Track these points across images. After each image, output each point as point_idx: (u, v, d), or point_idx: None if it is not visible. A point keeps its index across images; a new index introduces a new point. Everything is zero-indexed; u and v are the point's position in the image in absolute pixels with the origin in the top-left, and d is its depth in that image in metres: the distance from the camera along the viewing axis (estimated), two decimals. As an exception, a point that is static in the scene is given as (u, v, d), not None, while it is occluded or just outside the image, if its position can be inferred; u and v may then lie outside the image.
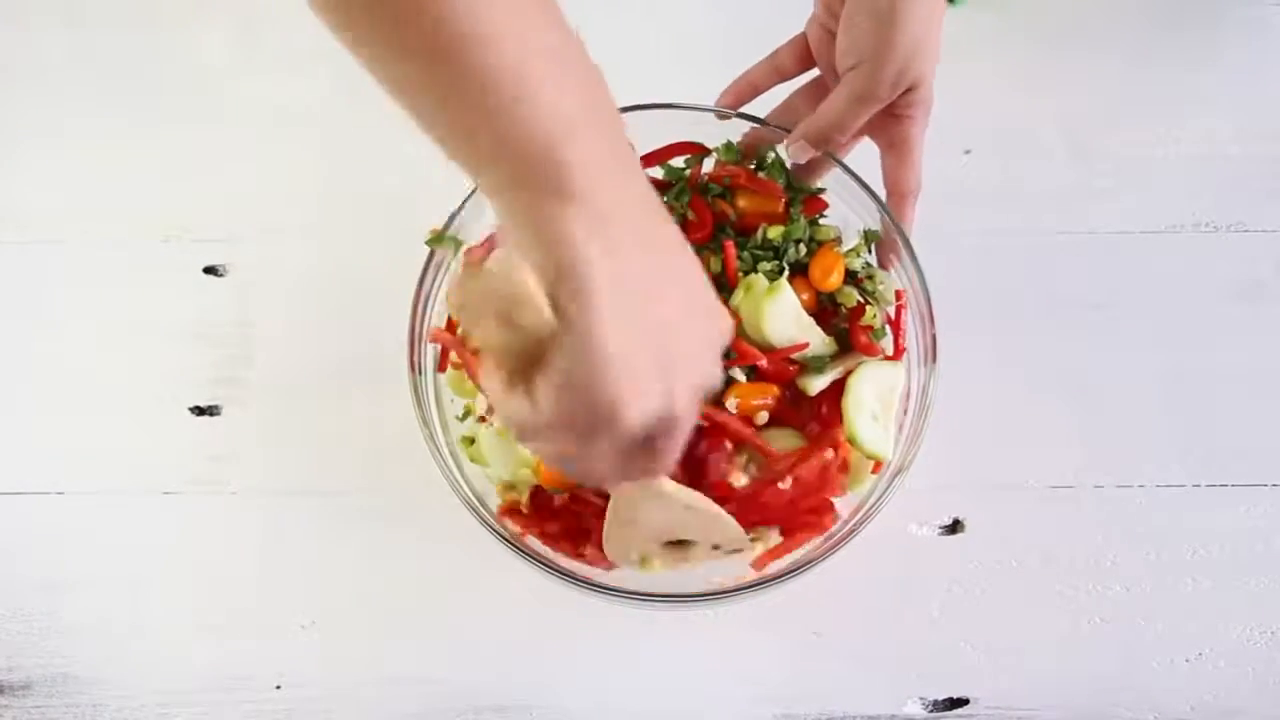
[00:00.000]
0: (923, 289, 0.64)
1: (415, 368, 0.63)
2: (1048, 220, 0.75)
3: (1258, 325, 0.73)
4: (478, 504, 0.61)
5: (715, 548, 0.58)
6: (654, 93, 0.65)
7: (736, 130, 0.66)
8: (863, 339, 0.63)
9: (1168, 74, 0.78)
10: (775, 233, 0.64)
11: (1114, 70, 0.78)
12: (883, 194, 0.64)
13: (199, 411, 0.73)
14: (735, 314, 0.62)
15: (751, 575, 0.62)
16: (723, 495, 0.58)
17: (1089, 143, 0.76)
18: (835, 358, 0.64)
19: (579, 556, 0.61)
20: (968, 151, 0.76)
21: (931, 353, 0.63)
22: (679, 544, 0.58)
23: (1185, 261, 0.74)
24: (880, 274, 0.65)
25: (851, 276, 0.65)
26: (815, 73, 0.65)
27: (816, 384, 0.62)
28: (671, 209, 0.65)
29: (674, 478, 0.52)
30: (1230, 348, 0.73)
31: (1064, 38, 0.78)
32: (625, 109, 0.64)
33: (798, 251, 0.64)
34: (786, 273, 0.64)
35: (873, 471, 0.62)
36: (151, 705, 0.68)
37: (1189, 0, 0.79)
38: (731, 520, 0.56)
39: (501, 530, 0.61)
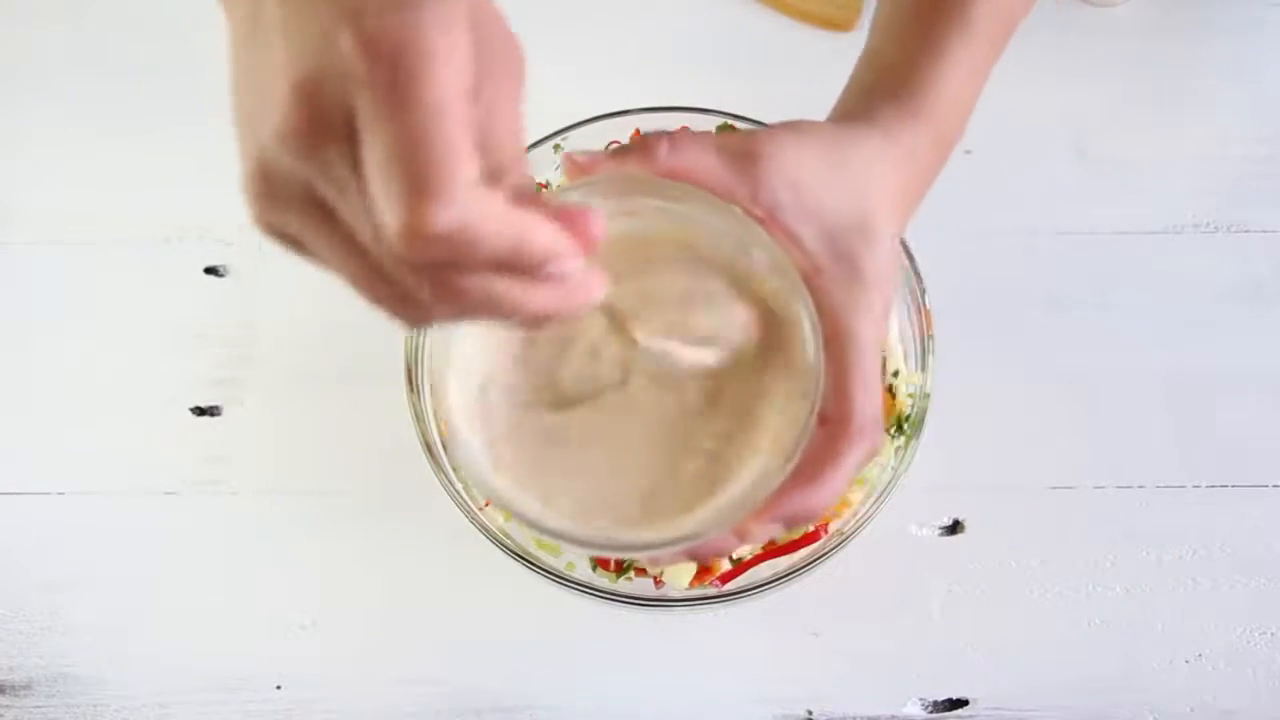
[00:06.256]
0: (920, 288, 0.64)
1: (414, 388, 0.63)
2: (1048, 220, 0.75)
3: (1258, 325, 0.73)
4: (484, 521, 0.62)
5: None
6: (656, 95, 0.65)
7: None
8: None
9: (1168, 74, 0.78)
10: None
11: (1114, 70, 0.78)
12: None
13: (199, 411, 0.73)
14: None
15: (752, 577, 0.62)
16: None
17: (1089, 143, 0.76)
18: None
19: None
20: (968, 152, 0.76)
21: (930, 353, 0.63)
22: None
23: (1185, 261, 0.74)
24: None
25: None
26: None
27: None
28: None
29: None
30: (1230, 348, 0.73)
31: (1064, 37, 0.78)
32: (630, 111, 0.65)
33: None
34: None
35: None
36: (152, 705, 0.68)
37: (1189, 0, 0.79)
38: None
39: (506, 542, 0.61)
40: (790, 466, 0.41)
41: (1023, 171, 0.75)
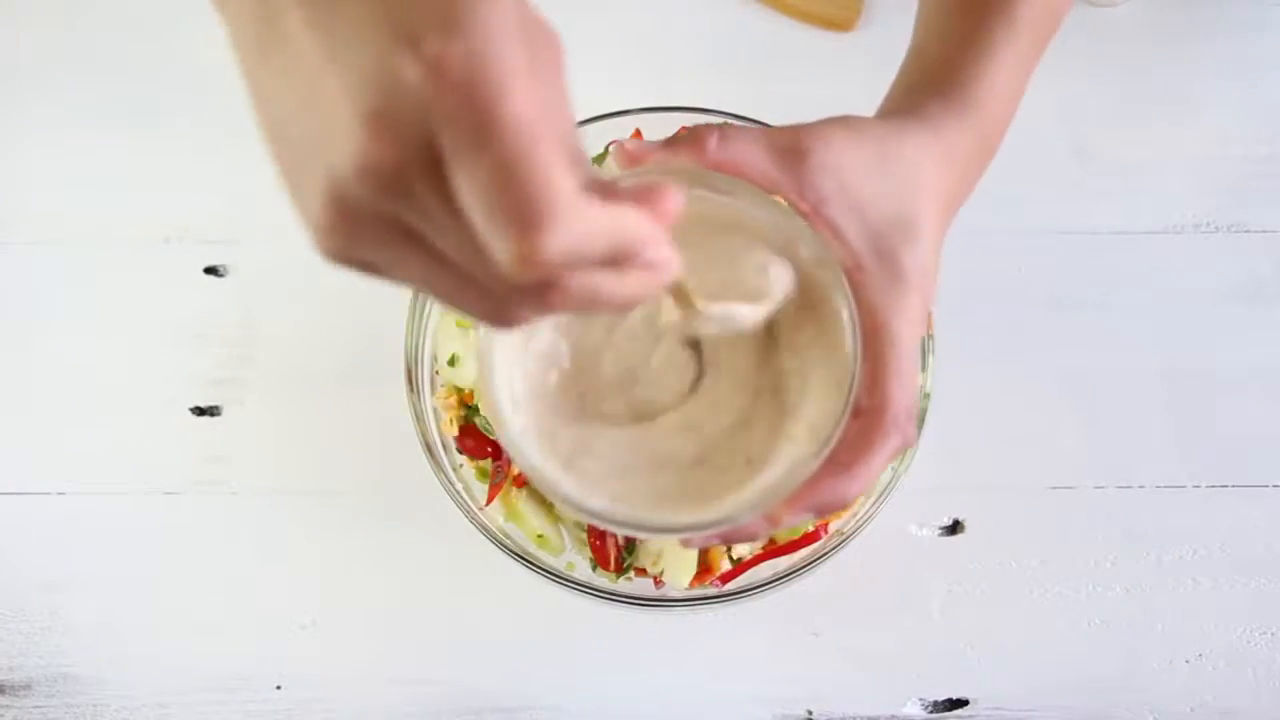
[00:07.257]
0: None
1: (414, 387, 0.63)
2: (1048, 220, 0.75)
3: (1258, 325, 0.73)
4: (484, 520, 0.62)
5: None
6: (656, 95, 0.65)
7: None
8: None
9: (1168, 74, 0.78)
10: None
11: (1114, 71, 0.78)
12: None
13: (199, 411, 0.73)
14: None
15: (752, 577, 0.62)
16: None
17: (1089, 143, 0.76)
18: None
19: None
20: (968, 151, 0.76)
21: (930, 353, 0.63)
22: None
23: (1185, 261, 0.74)
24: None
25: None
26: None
27: None
28: None
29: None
30: (1230, 348, 0.73)
31: (1063, 37, 0.78)
32: (630, 111, 0.65)
33: None
34: None
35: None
36: (152, 705, 0.68)
37: (1189, 1, 0.79)
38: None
39: (506, 542, 0.61)
40: (824, 455, 0.42)
41: (1023, 171, 0.75)
